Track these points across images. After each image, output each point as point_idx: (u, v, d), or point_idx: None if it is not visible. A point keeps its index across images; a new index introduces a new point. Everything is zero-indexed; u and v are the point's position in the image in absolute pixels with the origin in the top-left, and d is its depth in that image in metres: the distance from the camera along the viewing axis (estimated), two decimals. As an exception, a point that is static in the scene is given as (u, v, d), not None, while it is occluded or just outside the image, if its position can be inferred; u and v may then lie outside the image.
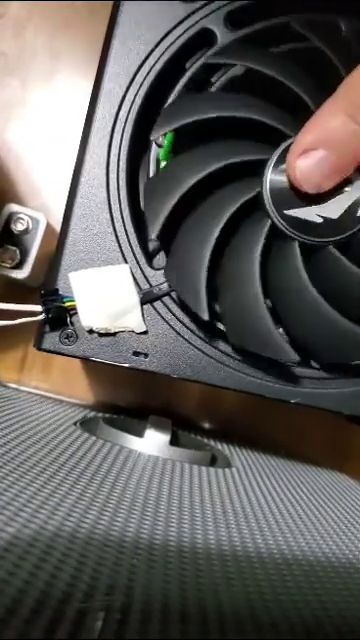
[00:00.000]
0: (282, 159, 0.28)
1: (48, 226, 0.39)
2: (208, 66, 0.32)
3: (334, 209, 0.29)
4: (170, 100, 0.32)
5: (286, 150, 0.28)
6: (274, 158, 0.29)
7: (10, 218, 0.38)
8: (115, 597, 0.18)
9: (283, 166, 0.28)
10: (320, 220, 0.29)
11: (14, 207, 0.38)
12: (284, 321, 0.31)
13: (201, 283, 0.29)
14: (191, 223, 0.30)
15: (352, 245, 0.29)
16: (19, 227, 0.38)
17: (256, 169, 0.29)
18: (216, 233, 0.29)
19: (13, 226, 0.38)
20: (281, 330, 0.31)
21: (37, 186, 0.46)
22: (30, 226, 0.38)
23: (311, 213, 0.29)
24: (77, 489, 0.25)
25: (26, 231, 0.38)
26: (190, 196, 0.29)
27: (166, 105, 0.32)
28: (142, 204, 0.33)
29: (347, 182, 0.28)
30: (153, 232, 0.29)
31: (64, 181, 0.33)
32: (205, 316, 0.29)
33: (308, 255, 0.29)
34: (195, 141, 0.30)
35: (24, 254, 0.38)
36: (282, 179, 0.28)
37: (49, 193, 0.46)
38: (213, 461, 0.37)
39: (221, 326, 0.32)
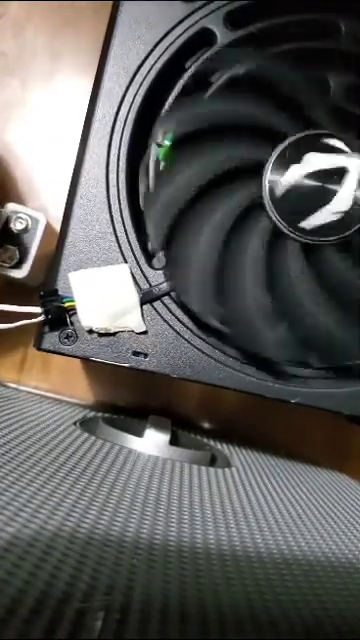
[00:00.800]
0: (281, 159, 0.28)
1: (48, 226, 0.39)
2: (207, 66, 0.32)
3: (335, 210, 0.29)
4: (170, 100, 0.32)
5: (286, 150, 0.28)
6: (273, 158, 0.29)
7: (10, 217, 0.38)
8: (115, 597, 0.18)
9: (282, 166, 0.28)
10: (320, 220, 0.29)
11: (14, 206, 0.38)
12: (279, 320, 0.31)
13: (208, 286, 0.29)
14: (193, 224, 0.30)
15: (351, 246, 0.29)
16: (18, 226, 0.38)
17: (255, 169, 0.29)
18: (222, 237, 0.29)
19: (12, 225, 0.38)
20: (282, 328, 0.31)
21: (37, 186, 0.46)
22: (30, 225, 0.38)
23: (312, 213, 0.29)
24: (77, 489, 0.25)
25: (26, 230, 0.38)
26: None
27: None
28: (142, 204, 0.33)
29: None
30: (157, 247, 0.29)
31: (64, 181, 0.33)
32: (211, 320, 0.29)
33: (307, 255, 0.29)
34: (195, 139, 0.30)
35: (23, 254, 0.38)
36: (282, 178, 0.28)
37: (49, 193, 0.46)
38: (213, 461, 0.37)
39: (220, 326, 0.32)
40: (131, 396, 0.48)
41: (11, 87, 0.47)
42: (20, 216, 0.38)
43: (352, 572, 0.25)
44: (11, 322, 0.30)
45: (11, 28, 0.47)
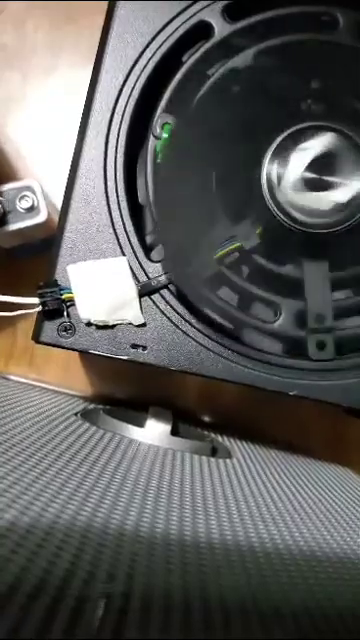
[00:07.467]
0: (280, 150, 0.28)
1: (46, 221, 0.39)
2: (205, 59, 0.32)
3: (332, 202, 0.29)
4: (167, 93, 0.32)
5: (285, 141, 0.28)
6: (272, 149, 0.29)
7: (20, 191, 0.38)
8: (115, 585, 0.18)
9: (281, 157, 0.28)
10: (318, 211, 0.29)
11: (35, 185, 0.38)
12: (276, 314, 0.31)
13: (205, 278, 0.29)
14: (193, 218, 0.30)
15: (350, 236, 0.29)
16: (24, 204, 0.38)
17: (254, 160, 0.29)
18: (221, 230, 0.29)
19: (18, 204, 0.38)
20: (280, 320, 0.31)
21: (36, 179, 0.46)
22: (33, 207, 0.38)
23: (308, 204, 0.29)
24: (77, 476, 0.25)
25: (31, 209, 0.38)
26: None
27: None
28: (140, 197, 0.33)
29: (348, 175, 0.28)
30: (156, 240, 0.29)
31: (63, 174, 0.33)
32: (209, 312, 0.29)
33: (306, 247, 0.30)
34: (193, 132, 0.30)
35: (8, 220, 0.38)
36: (279, 169, 0.29)
37: (48, 187, 0.46)
38: (214, 452, 0.37)
39: (218, 318, 0.32)
40: (130, 389, 0.48)
41: (12, 81, 0.47)
42: (28, 195, 0.38)
43: (356, 562, 0.25)
44: (8, 311, 0.30)
45: (12, 22, 0.47)
